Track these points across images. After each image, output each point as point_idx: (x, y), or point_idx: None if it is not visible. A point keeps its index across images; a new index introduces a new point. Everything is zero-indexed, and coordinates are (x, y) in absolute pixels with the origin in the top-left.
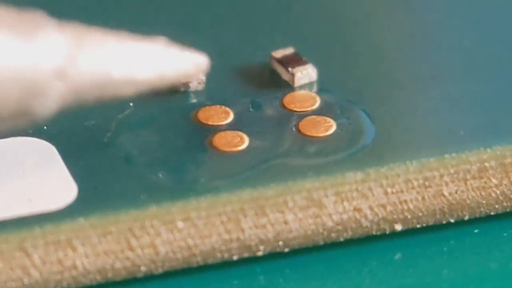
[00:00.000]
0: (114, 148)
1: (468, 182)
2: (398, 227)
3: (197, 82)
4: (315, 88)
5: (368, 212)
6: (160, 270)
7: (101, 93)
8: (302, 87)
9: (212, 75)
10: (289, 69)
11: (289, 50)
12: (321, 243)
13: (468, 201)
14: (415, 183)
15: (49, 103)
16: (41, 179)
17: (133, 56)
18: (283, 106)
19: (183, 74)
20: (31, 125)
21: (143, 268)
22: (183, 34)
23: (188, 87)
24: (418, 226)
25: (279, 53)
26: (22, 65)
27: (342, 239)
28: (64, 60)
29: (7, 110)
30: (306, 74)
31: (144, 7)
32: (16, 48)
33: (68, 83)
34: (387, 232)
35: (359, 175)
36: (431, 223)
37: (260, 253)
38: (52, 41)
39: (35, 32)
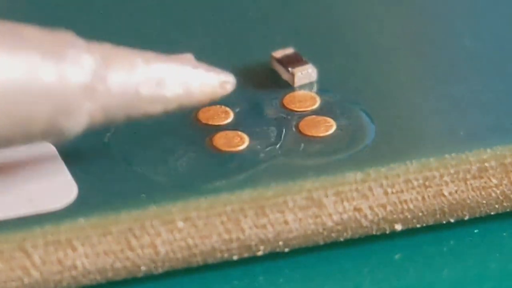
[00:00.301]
0: (114, 148)
1: (468, 182)
2: (398, 227)
3: None
4: (315, 88)
5: (368, 212)
6: (160, 270)
7: (129, 112)
8: (302, 87)
9: None
10: (289, 69)
11: (289, 50)
12: (321, 243)
13: (468, 201)
14: (415, 183)
15: (78, 122)
16: (41, 179)
17: (161, 75)
18: (283, 106)
19: (210, 93)
20: (60, 143)
21: (143, 268)
22: (183, 34)
23: None
24: (418, 226)
25: (279, 53)
26: (51, 83)
27: (342, 239)
28: (93, 79)
29: (36, 128)
30: (306, 74)
31: (143, 8)
32: (46, 67)
33: (97, 101)
34: (387, 232)
35: (359, 175)
36: (431, 223)
37: (260, 253)
38: (81, 60)
39: (65, 52)
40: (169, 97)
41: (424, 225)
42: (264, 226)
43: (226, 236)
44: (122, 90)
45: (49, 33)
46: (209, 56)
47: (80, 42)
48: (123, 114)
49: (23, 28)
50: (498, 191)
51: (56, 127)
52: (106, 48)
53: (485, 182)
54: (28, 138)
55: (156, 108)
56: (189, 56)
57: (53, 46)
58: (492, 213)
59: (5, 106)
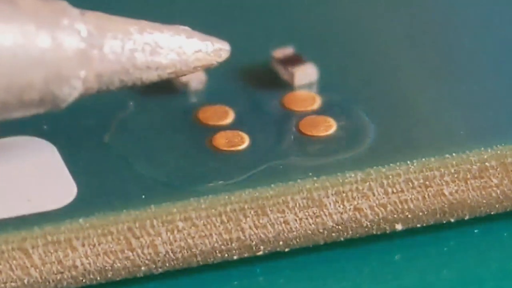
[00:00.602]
0: (114, 148)
1: (468, 182)
2: (399, 227)
3: (197, 82)
4: (315, 88)
5: (368, 211)
6: (160, 270)
7: (124, 79)
8: (302, 87)
9: (212, 75)
10: (289, 68)
11: (289, 50)
12: (322, 243)
13: (468, 201)
14: (416, 183)
15: (73, 88)
16: (41, 179)
17: (156, 42)
18: (283, 106)
19: (205, 60)
20: (55, 110)
21: (143, 268)
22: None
23: (188, 86)
24: (419, 226)
25: (279, 53)
26: (46, 51)
27: (342, 239)
28: (87, 46)
29: (31, 96)
30: (306, 73)
31: (143, 7)
32: (40, 35)
33: (92, 68)
34: (388, 232)
35: (360, 175)
36: (431, 222)
37: (260, 253)
38: (75, 28)
39: (59, 20)
40: (164, 63)
41: (425, 225)
42: (264, 226)
43: (226, 236)
44: (117, 57)
45: (43, 2)
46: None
47: (74, 10)
48: (118, 81)
49: None
50: (498, 191)
51: (51, 94)
52: (101, 16)
53: (486, 182)
54: (23, 105)
55: (151, 75)
56: (184, 27)
57: (47, 14)
58: (492, 213)
59: (1, 73)
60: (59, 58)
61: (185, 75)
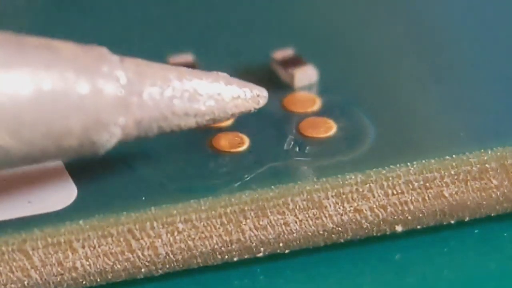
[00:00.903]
0: (114, 150)
1: (468, 183)
2: (399, 228)
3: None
4: (315, 89)
5: (368, 213)
6: (160, 272)
7: (163, 126)
8: (302, 88)
9: None
10: (289, 70)
11: (289, 51)
12: (322, 244)
13: (468, 202)
14: (416, 184)
15: (111, 136)
16: (41, 181)
17: (194, 89)
18: (284, 107)
19: (243, 107)
20: (94, 156)
21: (143, 270)
22: (184, 35)
23: None
24: (419, 227)
25: (279, 54)
26: (86, 97)
27: (342, 241)
28: (126, 93)
29: (70, 142)
30: (306, 75)
31: (143, 8)
32: (80, 82)
33: (130, 115)
34: (388, 233)
35: (360, 176)
36: (431, 224)
37: (260, 255)
38: (115, 75)
39: (99, 66)
40: (203, 110)
41: (425, 226)
42: (264, 228)
43: (226, 238)
44: (156, 104)
45: (83, 48)
46: (209, 57)
47: (114, 57)
48: (157, 127)
49: (57, 43)
50: (498, 192)
51: (90, 140)
52: (140, 63)
53: (486, 183)
54: (62, 152)
55: (189, 122)
56: (222, 73)
57: (87, 61)
58: (492, 214)
59: (40, 119)
60: (99, 105)
61: (222, 122)
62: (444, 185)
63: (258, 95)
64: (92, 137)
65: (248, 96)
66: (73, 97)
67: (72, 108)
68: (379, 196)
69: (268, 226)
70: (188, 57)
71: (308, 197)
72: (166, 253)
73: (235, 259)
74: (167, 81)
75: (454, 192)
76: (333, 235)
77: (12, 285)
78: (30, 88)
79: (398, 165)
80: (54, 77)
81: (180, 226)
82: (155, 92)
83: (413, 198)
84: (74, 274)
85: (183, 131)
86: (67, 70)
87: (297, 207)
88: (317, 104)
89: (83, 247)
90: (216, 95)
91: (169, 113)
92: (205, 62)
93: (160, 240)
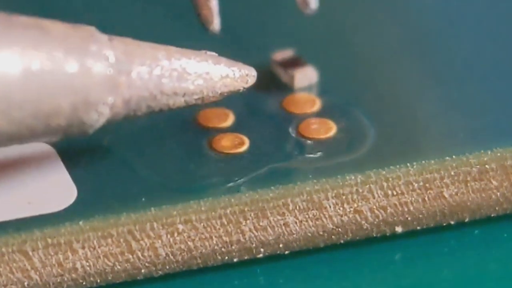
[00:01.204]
0: (114, 151)
1: (468, 184)
2: (399, 229)
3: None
4: (315, 90)
5: (368, 214)
6: (160, 273)
7: (152, 105)
8: (302, 89)
9: None
10: (289, 71)
11: (289, 52)
12: (322, 245)
13: (468, 203)
14: (416, 185)
15: (100, 114)
16: (41, 182)
17: (183, 68)
18: (283, 108)
19: (231, 86)
20: (82, 136)
21: (143, 271)
22: (184, 36)
23: None
24: (419, 228)
25: (279, 55)
26: (74, 76)
27: (342, 241)
28: (115, 72)
29: (58, 122)
30: (306, 76)
31: (143, 10)
32: (69, 61)
33: (119, 94)
34: (388, 234)
35: (360, 177)
36: (431, 225)
37: (260, 256)
38: (104, 54)
39: (88, 45)
40: (191, 89)
41: (425, 227)
42: (264, 229)
43: (226, 239)
44: (144, 83)
45: (72, 27)
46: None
47: (102, 36)
48: (145, 106)
49: (46, 23)
50: (498, 193)
51: (79, 119)
52: (129, 42)
53: (486, 184)
54: (50, 131)
55: (178, 101)
56: (211, 53)
57: (76, 40)
58: (492, 215)
59: (28, 98)
60: (87, 84)
61: (211, 101)
62: (444, 186)
63: (247, 74)
64: (81, 117)
65: (237, 75)
66: (61, 76)
67: (60, 87)
68: (379, 197)
69: (268, 227)
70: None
71: (308, 198)
72: (166, 254)
73: (235, 260)
74: (155, 60)
75: (454, 193)
76: (333, 236)
77: (12, 286)
78: (19, 68)
79: (398, 166)
80: (42, 56)
81: (180, 227)
82: (144, 71)
83: (413, 199)
84: (74, 275)
85: (172, 111)
86: (56, 49)
87: (297, 208)
88: (317, 105)
89: (83, 247)
90: (205, 74)
91: (157, 92)
92: None
93: (160, 241)
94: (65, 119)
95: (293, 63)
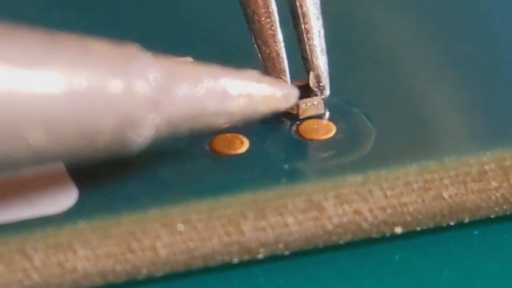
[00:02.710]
0: None
1: (468, 185)
2: (398, 230)
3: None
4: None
5: (368, 214)
6: (160, 273)
7: (194, 124)
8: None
9: None
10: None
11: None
12: (321, 246)
13: (468, 204)
14: (415, 186)
15: (143, 134)
16: (42, 182)
17: (225, 88)
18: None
19: (273, 106)
20: (127, 156)
21: (143, 271)
22: (191, 45)
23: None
24: (418, 229)
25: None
26: (117, 95)
27: (342, 242)
28: (159, 91)
29: (102, 140)
30: (312, 106)
31: (143, 12)
32: (112, 79)
33: (162, 114)
34: (387, 235)
35: (359, 178)
36: (431, 225)
37: (260, 256)
38: (146, 73)
39: (131, 64)
40: (233, 110)
41: (424, 227)
42: (264, 229)
43: (226, 239)
44: (187, 103)
45: (114, 45)
46: (211, 60)
47: (145, 54)
48: (188, 126)
49: (88, 41)
50: (498, 194)
51: (121, 139)
52: (171, 61)
53: (485, 185)
54: (93, 150)
55: (220, 121)
56: (253, 71)
57: (119, 58)
58: (492, 216)
59: (72, 117)
60: (130, 103)
61: (253, 121)
62: (443, 186)
63: (288, 94)
64: (124, 136)
65: (279, 94)
66: (105, 95)
67: (104, 106)
68: (379, 197)
69: (268, 228)
70: (188, 59)
71: (308, 198)
72: (167, 254)
73: (235, 260)
74: (198, 80)
75: (453, 194)
76: (332, 237)
77: (13, 286)
78: (62, 86)
79: (397, 167)
80: (86, 75)
81: (180, 227)
82: (187, 91)
83: (412, 199)
84: (74, 275)
85: (214, 130)
86: (99, 67)
87: (297, 208)
88: None
89: (84, 248)
90: (247, 93)
91: (200, 112)
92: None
93: (160, 241)
94: (109, 138)
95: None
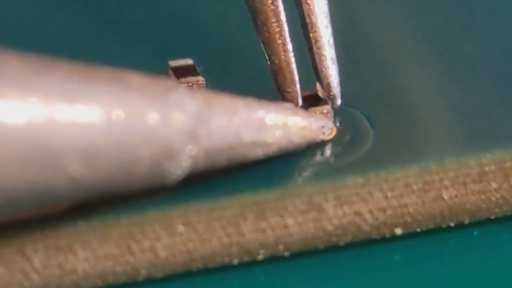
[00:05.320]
0: None
1: (467, 186)
2: (398, 231)
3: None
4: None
5: (368, 216)
6: (160, 274)
7: (231, 156)
8: None
9: (212, 80)
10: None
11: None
12: (321, 247)
13: (468, 205)
14: (415, 187)
15: (181, 165)
16: None
17: (262, 120)
18: None
19: (309, 138)
20: (163, 189)
21: (143, 272)
22: (191, 45)
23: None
24: (418, 230)
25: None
26: (156, 127)
27: (342, 243)
28: (196, 123)
29: (140, 172)
30: (322, 114)
31: (143, 12)
32: (150, 112)
33: (200, 145)
34: (387, 236)
35: (359, 179)
36: (431, 227)
37: (260, 257)
38: (184, 105)
39: (168, 96)
40: (270, 141)
41: (424, 229)
42: (264, 230)
43: (226, 240)
44: (224, 134)
45: (151, 78)
46: (210, 61)
47: (182, 87)
48: (224, 158)
49: (126, 73)
50: (497, 195)
51: (159, 170)
52: (208, 93)
53: (485, 186)
54: (132, 182)
55: (256, 152)
56: (288, 104)
57: (156, 91)
58: (492, 217)
59: (110, 148)
60: (168, 135)
61: (288, 152)
62: (443, 188)
63: (323, 126)
64: (162, 167)
65: (314, 127)
66: (143, 126)
67: (142, 138)
68: (378, 198)
69: (268, 229)
70: (188, 61)
71: (308, 199)
72: (166, 255)
73: (235, 261)
74: (235, 111)
75: (453, 195)
76: (332, 238)
77: (13, 287)
78: (102, 119)
79: (397, 168)
80: (124, 107)
81: (180, 228)
82: (223, 122)
83: (412, 201)
84: (74, 277)
85: (250, 162)
86: (137, 100)
87: (297, 209)
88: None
89: (84, 249)
90: (283, 125)
91: (236, 143)
92: (204, 66)
93: (160, 242)
94: (147, 169)
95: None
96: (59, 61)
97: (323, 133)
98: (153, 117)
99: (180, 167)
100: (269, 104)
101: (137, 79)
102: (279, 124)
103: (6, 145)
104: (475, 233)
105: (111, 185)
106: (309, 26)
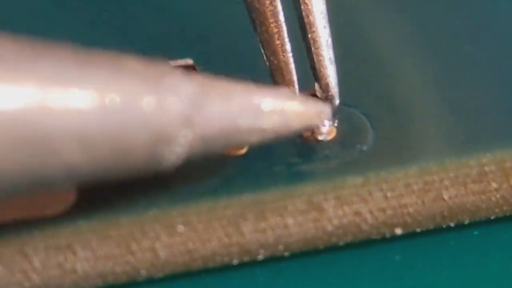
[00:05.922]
0: None
1: (468, 186)
2: (398, 231)
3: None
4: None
5: (368, 216)
6: (160, 274)
7: (227, 141)
8: None
9: None
10: None
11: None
12: (321, 247)
13: (468, 205)
14: (415, 187)
15: (177, 151)
16: None
17: (258, 105)
18: None
19: (306, 123)
20: (161, 175)
21: (143, 272)
22: (191, 45)
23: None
24: (418, 230)
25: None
26: (150, 112)
27: (342, 243)
28: (191, 108)
29: (136, 158)
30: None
31: (142, 16)
32: (144, 96)
33: (196, 130)
34: (387, 236)
35: (359, 179)
36: (431, 227)
37: (260, 257)
38: (179, 89)
39: (163, 80)
40: (266, 126)
41: (424, 229)
42: (264, 230)
43: (226, 240)
44: (220, 119)
45: (146, 62)
46: (209, 61)
47: (178, 71)
48: (221, 143)
49: (121, 58)
50: (498, 195)
51: (155, 156)
52: (204, 77)
53: (485, 186)
54: (127, 167)
55: (253, 138)
56: (286, 88)
57: (151, 75)
58: (492, 217)
59: (105, 133)
60: (163, 120)
61: (285, 137)
62: (443, 188)
63: (321, 111)
64: (157, 153)
65: (311, 111)
66: (137, 112)
67: (137, 123)
68: (378, 198)
69: (268, 229)
70: (188, 61)
71: (308, 199)
72: (166, 255)
73: (234, 261)
74: (231, 96)
75: (453, 195)
76: (332, 238)
77: (13, 287)
78: (97, 103)
79: (397, 168)
80: (119, 91)
81: (180, 228)
82: (220, 107)
83: (412, 201)
84: (74, 277)
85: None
86: (132, 84)
87: (297, 209)
88: None
89: (84, 249)
90: (280, 110)
91: (233, 129)
92: (204, 66)
93: (160, 242)
94: (142, 155)
95: None
96: (53, 44)
97: (320, 118)
98: (147, 101)
99: (175, 153)
100: (266, 88)
101: (131, 63)
102: (276, 110)
103: None
104: (475, 233)
105: (105, 170)
106: (307, 27)
